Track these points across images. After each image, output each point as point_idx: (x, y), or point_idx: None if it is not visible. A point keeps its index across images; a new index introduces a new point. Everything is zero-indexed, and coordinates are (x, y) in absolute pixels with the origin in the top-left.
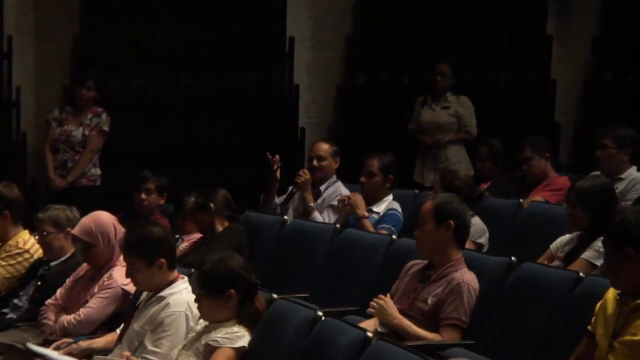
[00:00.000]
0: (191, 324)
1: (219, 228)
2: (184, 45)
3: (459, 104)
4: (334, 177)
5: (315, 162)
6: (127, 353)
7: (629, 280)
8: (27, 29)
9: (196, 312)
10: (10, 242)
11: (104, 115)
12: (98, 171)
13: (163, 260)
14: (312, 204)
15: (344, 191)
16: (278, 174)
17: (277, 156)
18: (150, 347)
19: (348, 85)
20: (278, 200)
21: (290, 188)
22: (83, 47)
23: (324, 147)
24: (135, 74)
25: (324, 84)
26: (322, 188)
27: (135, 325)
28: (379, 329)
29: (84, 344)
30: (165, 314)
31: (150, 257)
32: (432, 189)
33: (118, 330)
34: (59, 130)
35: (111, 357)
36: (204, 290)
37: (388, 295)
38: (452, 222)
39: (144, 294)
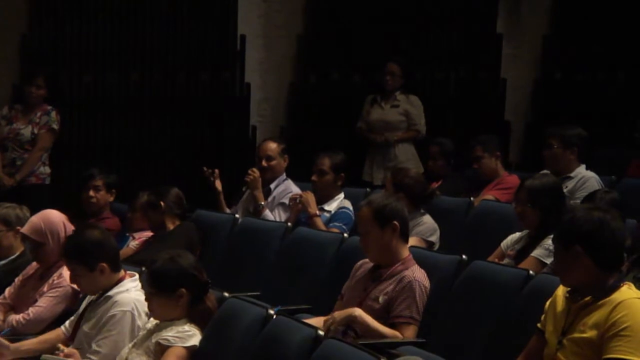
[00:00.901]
0: (138, 322)
1: (170, 226)
2: (134, 42)
3: (408, 103)
4: (284, 175)
5: (264, 162)
6: (73, 350)
7: (578, 278)
8: None
9: (144, 309)
10: None
11: (53, 113)
12: (47, 169)
13: (104, 264)
14: (262, 203)
15: (294, 189)
16: (218, 185)
17: (215, 170)
18: (93, 347)
19: (299, 84)
20: (233, 210)
21: (243, 190)
22: (32, 45)
23: (272, 147)
24: (85, 72)
25: (276, 83)
26: (272, 186)
27: (85, 327)
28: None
29: (12, 345)
30: (110, 314)
31: (91, 262)
32: (383, 187)
33: (62, 329)
34: (7, 128)
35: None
36: (154, 289)
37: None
38: (396, 222)
39: None
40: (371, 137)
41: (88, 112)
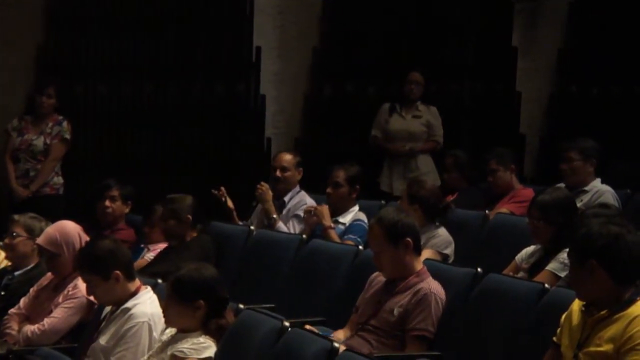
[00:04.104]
0: (155, 334)
1: (187, 238)
2: (149, 53)
3: (429, 114)
4: (297, 187)
5: (278, 173)
6: None
7: (594, 292)
8: None
9: (161, 322)
10: None
11: (64, 123)
12: (60, 180)
13: (118, 272)
14: (275, 216)
15: (309, 200)
16: (230, 203)
17: (222, 188)
18: None
19: (314, 96)
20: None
21: (254, 204)
22: (47, 56)
23: (288, 158)
24: (101, 83)
25: (291, 94)
26: (286, 199)
27: (102, 340)
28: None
29: None
30: (128, 326)
31: (105, 271)
32: (401, 198)
33: None
34: (19, 139)
35: None
36: (173, 296)
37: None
38: (409, 239)
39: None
40: (390, 146)
41: (102, 123)
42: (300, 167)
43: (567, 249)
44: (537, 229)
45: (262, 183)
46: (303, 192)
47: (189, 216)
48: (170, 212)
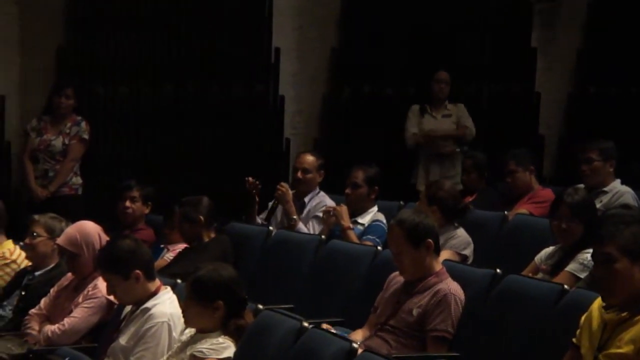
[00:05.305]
0: (174, 334)
1: (205, 239)
2: (168, 55)
3: (458, 111)
4: (317, 189)
5: (300, 174)
6: None
7: (617, 293)
8: (13, 38)
9: (180, 322)
10: None
11: (83, 124)
12: (79, 180)
13: (138, 271)
14: (295, 217)
15: (329, 202)
16: (257, 197)
17: (255, 181)
18: None
19: (333, 97)
20: (259, 219)
21: (271, 203)
22: (67, 57)
23: (310, 160)
24: (120, 83)
25: (310, 95)
26: (306, 200)
27: (122, 340)
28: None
29: None
30: (148, 326)
31: (125, 270)
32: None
33: None
34: (38, 140)
35: None
36: (192, 297)
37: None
38: (430, 240)
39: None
40: (431, 146)
41: (122, 123)
42: (322, 170)
43: (587, 250)
44: (567, 229)
45: (282, 184)
46: (323, 194)
47: (203, 218)
48: (183, 215)
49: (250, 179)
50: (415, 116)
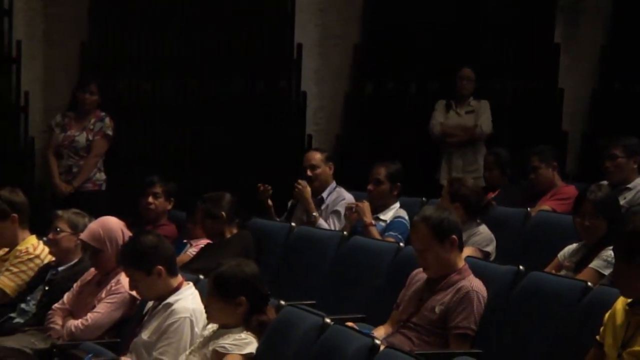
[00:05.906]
0: (196, 329)
1: (227, 235)
2: (192, 51)
3: (481, 107)
4: (334, 183)
5: (309, 172)
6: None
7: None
8: (36, 34)
9: (202, 318)
10: (20, 248)
11: (107, 120)
12: (103, 176)
13: (161, 267)
14: (315, 213)
15: (347, 195)
16: (269, 202)
17: (268, 186)
18: (154, 355)
19: (355, 93)
20: (279, 220)
21: (289, 204)
22: (91, 53)
23: (315, 156)
24: (143, 79)
25: (332, 92)
26: (324, 195)
27: (144, 335)
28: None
29: None
30: (170, 321)
31: (147, 266)
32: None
33: None
34: (62, 135)
35: None
36: (215, 292)
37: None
38: (455, 236)
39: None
40: (453, 141)
41: (145, 119)
42: (330, 162)
43: (611, 247)
44: (590, 226)
45: (300, 181)
46: (340, 187)
47: (225, 214)
48: (205, 211)
49: (262, 186)
50: (441, 110)
